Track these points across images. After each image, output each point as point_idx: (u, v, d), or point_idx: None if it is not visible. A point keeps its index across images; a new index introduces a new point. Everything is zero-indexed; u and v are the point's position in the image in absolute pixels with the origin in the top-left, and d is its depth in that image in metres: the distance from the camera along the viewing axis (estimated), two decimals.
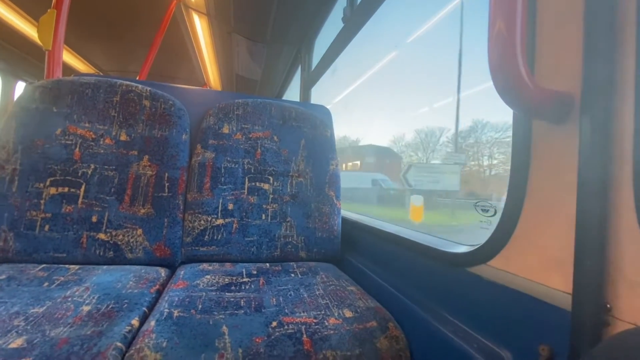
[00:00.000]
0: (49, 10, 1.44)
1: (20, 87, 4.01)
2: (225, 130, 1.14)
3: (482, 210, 0.71)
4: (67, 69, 3.69)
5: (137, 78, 2.58)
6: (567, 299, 0.43)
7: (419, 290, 0.75)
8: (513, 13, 0.41)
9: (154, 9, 2.55)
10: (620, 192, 0.39)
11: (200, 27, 2.93)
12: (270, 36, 2.47)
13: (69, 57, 3.75)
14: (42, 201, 0.92)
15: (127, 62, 3.92)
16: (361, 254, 1.10)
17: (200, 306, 0.70)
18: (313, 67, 2.25)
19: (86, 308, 0.66)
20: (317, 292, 0.81)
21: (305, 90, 2.31)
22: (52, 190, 0.93)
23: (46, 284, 0.75)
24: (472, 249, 0.61)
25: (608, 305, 0.39)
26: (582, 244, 0.41)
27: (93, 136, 1.00)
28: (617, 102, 0.40)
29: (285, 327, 0.65)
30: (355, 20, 1.52)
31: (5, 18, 2.74)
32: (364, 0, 1.41)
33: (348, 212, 1.29)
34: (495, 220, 0.57)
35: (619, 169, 0.39)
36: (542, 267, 0.47)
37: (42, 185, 0.93)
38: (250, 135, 1.15)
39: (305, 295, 0.80)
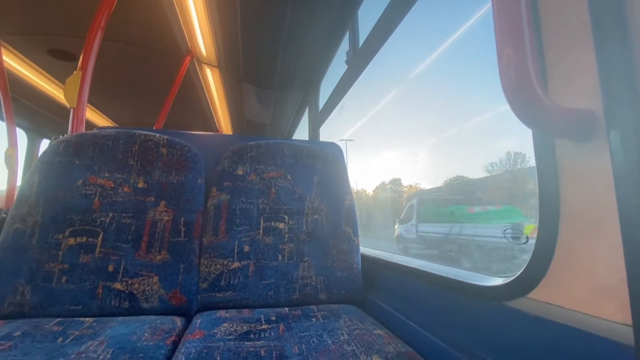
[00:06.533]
0: (74, 72, 1.56)
1: (44, 144, 4.25)
2: (240, 172, 1.15)
3: (512, 238, 0.67)
4: (87, 124, 3.91)
5: (154, 127, 2.71)
6: (627, 331, 0.38)
7: (452, 329, 0.69)
8: (520, 37, 0.41)
9: (169, 66, 2.75)
10: None
11: (212, 79, 3.12)
12: (278, 83, 2.61)
13: (88, 113, 4.00)
14: (60, 252, 0.92)
15: (143, 114, 4.15)
16: (385, 292, 1.04)
17: (218, 358, 0.66)
18: (320, 107, 2.33)
19: None
20: (342, 338, 0.76)
21: (314, 130, 2.37)
22: (71, 241, 0.93)
23: (60, 339, 0.73)
24: (507, 280, 0.57)
25: None
26: (634, 266, 0.37)
27: (112, 185, 1.02)
28: None
29: None
30: (358, 63, 1.60)
31: (30, 80, 2.98)
32: (365, 43, 1.49)
33: (367, 248, 1.25)
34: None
35: None
36: (591, 297, 0.43)
37: (61, 236, 0.93)
38: (264, 176, 1.16)
39: (330, 341, 0.74)
